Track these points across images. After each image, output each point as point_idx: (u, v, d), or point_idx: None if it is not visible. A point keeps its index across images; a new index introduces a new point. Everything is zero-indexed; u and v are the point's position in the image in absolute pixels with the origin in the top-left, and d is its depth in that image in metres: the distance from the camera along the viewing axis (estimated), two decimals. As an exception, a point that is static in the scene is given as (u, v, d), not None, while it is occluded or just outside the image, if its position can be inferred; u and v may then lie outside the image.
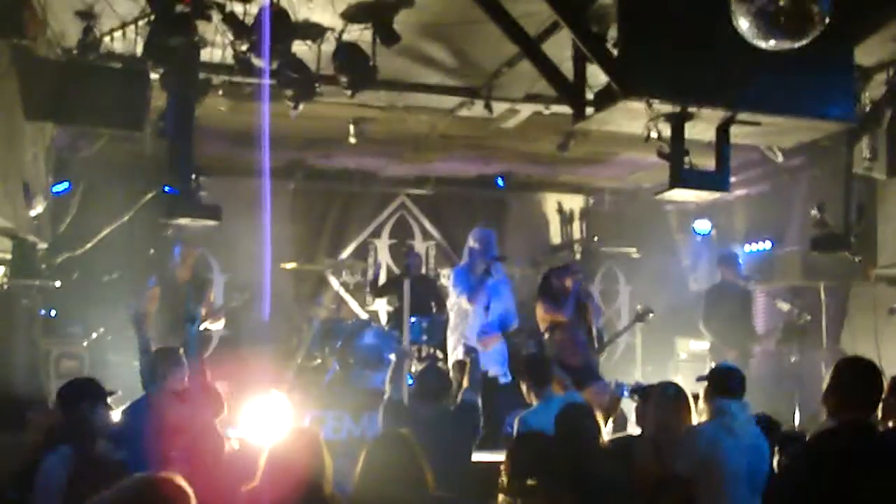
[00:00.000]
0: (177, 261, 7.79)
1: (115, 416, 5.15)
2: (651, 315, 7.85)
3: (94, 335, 7.87)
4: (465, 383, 5.37)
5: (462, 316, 7.62)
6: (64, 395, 4.64)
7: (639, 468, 4.57)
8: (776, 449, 4.34)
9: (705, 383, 4.62)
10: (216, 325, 8.06)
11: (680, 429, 4.58)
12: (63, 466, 4.18)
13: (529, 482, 3.96)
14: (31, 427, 5.59)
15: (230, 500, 3.71)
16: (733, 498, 4.25)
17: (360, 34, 5.96)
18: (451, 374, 7.10)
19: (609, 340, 7.28)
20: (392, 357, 5.57)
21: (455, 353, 7.48)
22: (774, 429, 4.77)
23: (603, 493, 4.03)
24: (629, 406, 6.02)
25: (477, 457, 5.21)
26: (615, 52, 5.18)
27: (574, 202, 11.84)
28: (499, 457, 5.38)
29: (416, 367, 7.83)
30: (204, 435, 4.70)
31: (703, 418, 4.58)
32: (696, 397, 4.72)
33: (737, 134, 5.59)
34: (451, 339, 7.73)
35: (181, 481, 2.51)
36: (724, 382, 4.56)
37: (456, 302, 7.66)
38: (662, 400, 4.72)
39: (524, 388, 5.66)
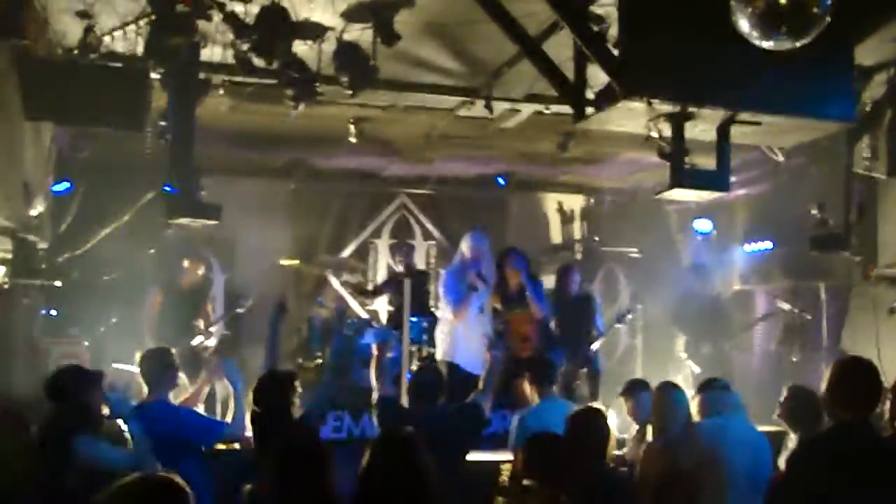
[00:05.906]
0: (183, 271, 7.70)
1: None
2: (630, 316, 8.18)
3: (94, 335, 7.86)
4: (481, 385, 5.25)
5: (444, 323, 7.46)
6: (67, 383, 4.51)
7: (644, 466, 4.58)
8: None
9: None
10: (210, 342, 7.86)
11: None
12: None
13: (528, 482, 3.96)
14: None
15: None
16: (734, 495, 4.25)
17: (360, 34, 5.96)
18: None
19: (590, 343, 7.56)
20: (374, 349, 5.42)
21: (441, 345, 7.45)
22: None
23: (609, 493, 4.03)
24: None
25: (473, 456, 5.18)
26: (615, 52, 5.18)
27: (574, 202, 11.85)
28: (495, 456, 5.41)
29: (416, 366, 7.83)
30: None
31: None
32: None
33: (737, 134, 5.58)
34: (438, 337, 7.64)
35: (181, 480, 2.51)
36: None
37: (442, 307, 7.50)
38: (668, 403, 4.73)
39: (526, 387, 5.64)
